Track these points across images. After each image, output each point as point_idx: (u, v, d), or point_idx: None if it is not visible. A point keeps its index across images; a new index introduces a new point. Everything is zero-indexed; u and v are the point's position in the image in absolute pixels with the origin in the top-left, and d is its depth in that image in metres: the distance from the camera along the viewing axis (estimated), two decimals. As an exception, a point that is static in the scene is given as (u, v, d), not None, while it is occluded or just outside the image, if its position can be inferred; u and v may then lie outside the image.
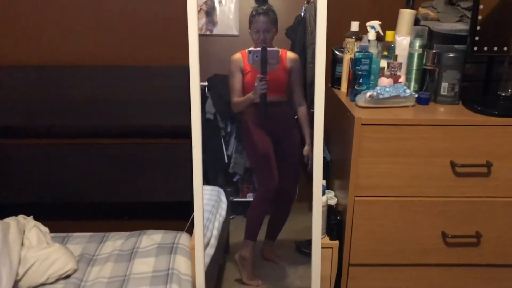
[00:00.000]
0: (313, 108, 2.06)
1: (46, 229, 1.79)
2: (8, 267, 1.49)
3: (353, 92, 1.72)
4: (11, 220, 1.73)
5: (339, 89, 1.92)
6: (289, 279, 2.13)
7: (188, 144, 2.01)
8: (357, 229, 1.66)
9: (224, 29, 2.00)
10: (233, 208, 2.34)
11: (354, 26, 1.84)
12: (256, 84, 1.78)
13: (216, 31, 2.02)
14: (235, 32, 1.98)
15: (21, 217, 1.80)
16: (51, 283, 1.62)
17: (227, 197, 2.23)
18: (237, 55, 1.88)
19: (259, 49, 1.74)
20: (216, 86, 2.13)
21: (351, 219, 1.64)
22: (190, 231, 2.02)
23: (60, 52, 2.00)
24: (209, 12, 2.00)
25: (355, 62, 1.70)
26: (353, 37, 1.82)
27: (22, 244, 1.66)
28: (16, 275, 1.54)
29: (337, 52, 1.92)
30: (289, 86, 1.91)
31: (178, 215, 2.13)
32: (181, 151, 2.04)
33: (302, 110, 1.94)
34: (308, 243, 2.17)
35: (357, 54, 1.69)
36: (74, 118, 1.97)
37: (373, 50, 1.73)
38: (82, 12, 1.96)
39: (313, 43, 2.04)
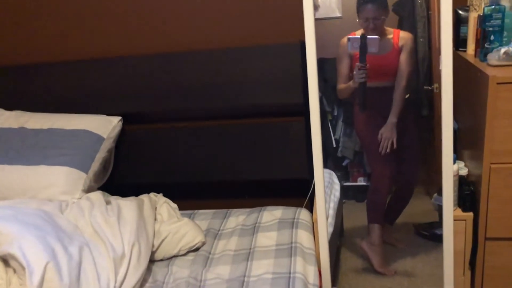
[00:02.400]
0: (427, 84, 1.95)
1: (175, 205, 1.90)
2: (145, 239, 1.60)
3: (483, 52, 1.58)
4: (144, 197, 1.86)
5: (465, 51, 1.77)
6: (411, 261, 2.05)
7: (301, 122, 2.01)
8: (494, 199, 1.52)
9: (327, 12, 1.96)
10: (344, 193, 2.30)
11: (480, -20, 1.69)
12: (355, 72, 1.72)
13: (318, 14, 1.98)
14: (338, 14, 1.92)
15: (152, 195, 1.93)
16: (183, 255, 1.71)
17: (339, 180, 2.20)
18: (346, 39, 1.83)
19: (358, 37, 1.66)
20: (322, 70, 2.09)
21: (487, 188, 1.51)
22: (308, 207, 2.02)
23: (177, 39, 2.09)
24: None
25: (484, 18, 1.56)
26: (480, -8, 1.67)
27: (155, 219, 1.78)
28: (152, 247, 1.64)
29: (460, 12, 1.78)
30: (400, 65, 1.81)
31: (295, 193, 2.13)
32: (295, 129, 2.04)
33: (400, 88, 1.84)
34: (428, 225, 2.08)
35: (486, 9, 1.55)
36: (193, 101, 2.05)
37: (506, 3, 1.57)
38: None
39: (424, 16, 1.93)
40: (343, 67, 1.85)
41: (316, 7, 2.04)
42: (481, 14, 1.59)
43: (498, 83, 1.40)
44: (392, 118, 1.84)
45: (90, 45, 2.14)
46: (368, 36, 1.67)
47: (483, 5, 1.64)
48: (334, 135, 2.32)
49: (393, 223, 2.12)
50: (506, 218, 1.53)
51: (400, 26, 1.91)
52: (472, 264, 1.67)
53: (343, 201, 2.33)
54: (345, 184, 2.33)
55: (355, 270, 2.09)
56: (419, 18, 1.89)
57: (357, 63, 1.72)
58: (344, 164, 2.37)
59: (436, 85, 1.89)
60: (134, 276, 1.47)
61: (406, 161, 1.97)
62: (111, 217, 1.62)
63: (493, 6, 1.53)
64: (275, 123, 2.08)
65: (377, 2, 1.73)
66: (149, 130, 2.15)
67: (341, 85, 1.87)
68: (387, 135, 1.86)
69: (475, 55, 1.67)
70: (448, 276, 1.57)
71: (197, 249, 1.73)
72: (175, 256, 1.70)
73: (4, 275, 1.30)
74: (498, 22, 1.53)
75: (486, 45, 1.57)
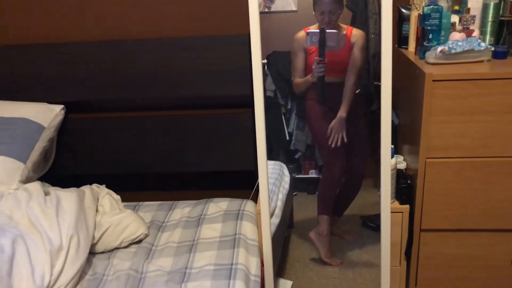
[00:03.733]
0: (377, 80, 2.00)
1: (118, 197, 1.86)
2: (85, 231, 1.56)
3: (422, 50, 1.64)
4: (85, 188, 1.80)
5: (406, 48, 1.83)
6: (357, 252, 2.11)
7: (249, 114, 2.01)
8: (428, 192, 1.59)
9: (283, 5, 1.97)
10: (296, 185, 2.33)
11: (422, -20, 1.74)
12: (314, 66, 1.74)
13: (274, 7, 1.99)
14: (294, 8, 1.93)
15: (94, 186, 1.88)
16: (125, 247, 1.68)
17: (290, 173, 2.23)
18: (301, 34, 1.84)
19: (317, 31, 1.68)
20: (276, 63, 2.10)
21: (423, 182, 1.58)
22: (254, 199, 2.03)
23: (122, 26, 2.04)
24: (267, -12, 1.97)
25: (423, 17, 1.61)
26: (421, -8, 1.72)
27: (97, 211, 1.74)
28: (93, 239, 1.61)
29: (403, 10, 1.83)
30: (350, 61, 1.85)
31: (242, 185, 2.14)
32: (243, 121, 2.04)
33: (349, 83, 1.88)
34: (374, 217, 2.14)
35: (425, 8, 1.60)
36: (140, 91, 2.01)
37: (443, 3, 1.63)
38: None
39: (375, 13, 1.97)
40: (299, 62, 1.86)
41: (271, 0, 2.05)
42: (421, 13, 1.64)
43: (434, 80, 1.46)
44: (342, 113, 1.88)
45: (34, 29, 2.05)
46: (327, 30, 1.69)
47: (423, 4, 1.69)
48: (287, 128, 2.33)
49: (341, 215, 2.17)
50: (439, 211, 1.60)
51: (353, 22, 1.94)
52: (408, 254, 1.73)
53: (295, 193, 2.36)
54: (297, 176, 2.36)
55: (302, 260, 2.13)
56: (371, 15, 1.93)
57: (316, 57, 1.73)
58: (296, 157, 2.40)
59: None
60: (71, 269, 1.43)
61: (354, 154, 2.02)
62: (49, 208, 1.56)
63: (431, 6, 1.59)
64: (223, 115, 2.08)
65: None
66: (93, 120, 2.10)
67: (297, 79, 1.89)
68: (337, 129, 1.90)
69: (415, 53, 1.73)
70: (385, 266, 1.63)
71: (139, 241, 1.71)
72: (116, 248, 1.68)
73: None
74: (436, 21, 1.59)
75: (425, 43, 1.62)
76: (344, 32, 1.84)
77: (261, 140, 1.60)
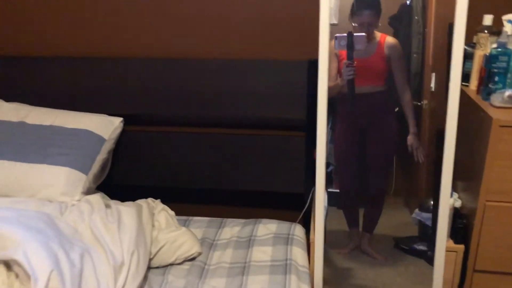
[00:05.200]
0: (416, 100, 1.99)
1: (172, 213, 1.91)
2: (144, 247, 1.61)
3: (486, 90, 1.64)
4: (142, 202, 1.86)
5: (467, 86, 1.83)
6: (390, 274, 2.10)
7: (302, 137, 2.04)
8: (485, 234, 1.59)
9: None
10: (328, 199, 2.34)
11: (487, 20, 1.74)
12: (342, 70, 1.76)
13: None
14: (334, 21, 1.95)
15: (150, 200, 1.93)
16: (178, 264, 1.73)
17: (325, 189, 2.24)
18: (333, 42, 1.87)
19: (345, 34, 1.71)
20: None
21: (480, 223, 1.58)
22: (301, 223, 2.06)
23: (182, 45, 2.09)
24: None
25: (490, 58, 1.61)
26: (486, 31, 1.72)
27: (153, 225, 1.79)
28: (149, 254, 1.66)
29: (466, 48, 1.83)
30: (389, 74, 1.86)
31: (290, 206, 2.17)
32: (294, 143, 2.07)
33: (406, 97, 1.88)
34: (408, 240, 2.13)
35: (493, 50, 1.60)
36: (196, 109, 2.06)
37: (512, 46, 1.63)
38: (205, 6, 2.03)
39: (420, 33, 1.97)
40: (331, 68, 1.89)
41: None
42: (487, 54, 1.64)
43: (501, 126, 1.46)
44: (413, 129, 1.89)
45: (97, 43, 2.12)
46: (355, 34, 1.71)
47: (489, 45, 1.69)
48: None
49: (371, 232, 2.14)
50: (495, 253, 1.60)
51: None
52: (459, 293, 1.74)
53: (326, 207, 2.37)
54: (328, 190, 2.36)
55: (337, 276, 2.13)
56: (414, 34, 1.92)
57: (345, 60, 1.75)
58: (328, 170, 2.40)
59: (425, 101, 1.93)
60: (132, 284, 1.48)
61: (376, 168, 2.02)
62: (111, 223, 1.62)
63: (500, 49, 1.59)
64: (275, 136, 2.11)
65: (374, 9, 1.77)
66: (148, 133, 2.16)
67: (331, 83, 1.92)
68: (415, 145, 1.91)
69: (477, 92, 1.73)
70: (436, 303, 1.64)
71: (193, 259, 1.75)
72: (171, 264, 1.72)
73: (6, 280, 1.30)
74: (504, 64, 1.59)
75: (490, 85, 1.62)
76: (377, 39, 1.85)
77: (321, 169, 1.62)
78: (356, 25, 1.79)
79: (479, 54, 1.74)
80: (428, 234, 1.86)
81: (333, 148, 2.36)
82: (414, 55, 1.96)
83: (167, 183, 2.16)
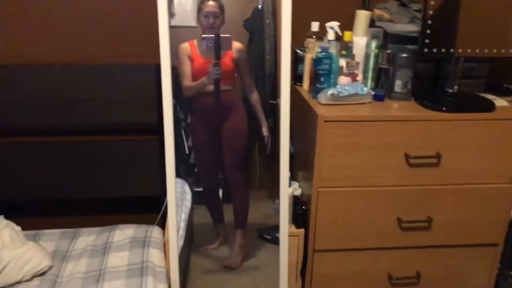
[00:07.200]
0: (272, 99, 2.17)
1: (18, 228, 1.81)
2: (-16, 267, 1.52)
3: (315, 90, 1.83)
4: (-18, 220, 1.74)
5: (301, 86, 2.03)
6: (255, 263, 2.22)
7: (154, 140, 2.07)
8: (320, 217, 1.78)
9: (182, 20, 2.05)
10: (195, 198, 2.41)
11: (315, 26, 1.94)
12: (210, 69, 1.88)
13: (173, 22, 2.07)
14: (193, 24, 2.03)
15: (-8, 217, 1.81)
16: (27, 281, 1.65)
17: (191, 188, 2.31)
18: (185, 44, 1.99)
19: (212, 35, 1.83)
20: (175, 77, 2.18)
21: (316, 208, 1.76)
22: (160, 224, 2.09)
23: (27, 51, 2.00)
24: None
25: (316, 62, 1.81)
26: (314, 37, 1.93)
27: (-4, 244, 1.68)
28: (-8, 274, 1.56)
29: (298, 51, 2.03)
30: (238, 75, 2.02)
31: (147, 209, 2.18)
32: (148, 147, 2.10)
33: (254, 96, 2.07)
34: (270, 229, 2.29)
35: (318, 54, 1.80)
36: (43, 117, 1.98)
37: (333, 50, 1.85)
38: (48, 9, 1.96)
39: (272, 36, 2.14)
40: (186, 67, 1.98)
41: (172, 15, 2.13)
42: (314, 57, 1.84)
43: (325, 121, 1.65)
44: (263, 123, 2.10)
45: None
46: (222, 35, 1.83)
47: (316, 49, 1.90)
48: (187, 142, 2.40)
49: (243, 227, 2.24)
50: (331, 233, 1.81)
51: (250, 42, 2.09)
52: (303, 273, 1.92)
53: (194, 206, 2.43)
54: (195, 189, 2.43)
55: (203, 272, 2.19)
56: (267, 37, 2.08)
57: (213, 60, 1.86)
58: (195, 170, 2.47)
59: (280, 100, 2.10)
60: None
61: (231, 163, 2.15)
62: None
63: (323, 53, 1.79)
64: (128, 141, 2.11)
65: (216, 1, 1.91)
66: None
67: (188, 83, 1.99)
68: (267, 137, 2.12)
69: (309, 92, 1.93)
70: (284, 285, 1.80)
71: (43, 273, 1.69)
72: (18, 282, 1.64)
73: None
74: (327, 66, 1.80)
75: (317, 85, 1.82)
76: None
77: (170, 169, 1.67)
78: (203, 17, 1.90)
79: (308, 57, 1.94)
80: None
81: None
82: (268, 56, 2.11)
83: (13, 197, 2.03)
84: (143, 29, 2.02)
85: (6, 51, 1.98)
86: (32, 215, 2.14)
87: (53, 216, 2.20)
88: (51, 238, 1.91)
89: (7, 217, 1.85)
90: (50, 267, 1.71)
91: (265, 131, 2.12)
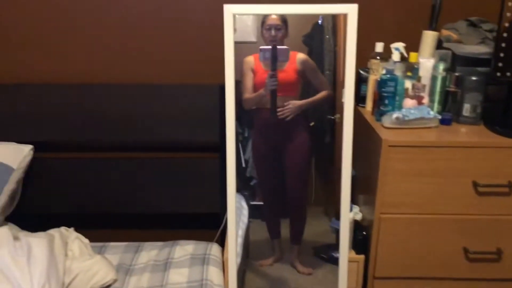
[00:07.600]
0: (330, 114, 2.14)
1: (86, 241, 1.90)
2: (55, 277, 1.60)
3: (378, 112, 1.80)
4: (54, 232, 1.83)
5: (364, 107, 2.00)
6: (308, 284, 2.19)
7: (216, 159, 2.11)
8: (382, 244, 1.74)
9: (242, 36, 2.08)
10: (251, 212, 2.42)
11: (379, 47, 1.91)
12: (266, 80, 1.89)
13: (235, 38, 2.10)
14: (253, 39, 2.06)
15: (63, 229, 1.90)
16: (94, 292, 1.73)
17: (247, 202, 2.32)
18: (250, 57, 2.00)
19: (269, 47, 1.84)
20: (237, 92, 2.21)
21: (377, 234, 1.72)
22: (218, 241, 2.12)
23: (95, 70, 2.10)
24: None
25: (381, 84, 1.78)
26: (378, 58, 1.90)
27: (66, 255, 1.77)
28: (62, 285, 1.64)
29: (362, 72, 2.00)
30: (302, 88, 1.99)
31: (207, 225, 2.22)
32: (209, 164, 2.13)
33: (325, 91, 2.00)
34: (326, 247, 2.25)
35: (383, 76, 1.77)
36: (110, 134, 2.06)
37: (398, 72, 1.81)
38: (118, 32, 2.06)
39: (331, 51, 2.13)
40: (248, 80, 1.99)
41: (233, 30, 2.17)
42: (379, 79, 1.81)
43: (389, 146, 1.62)
44: (302, 101, 2.00)
45: (1, 69, 2.07)
46: (278, 47, 1.84)
47: (380, 70, 1.87)
48: (244, 155, 2.42)
49: (298, 243, 2.22)
50: (391, 260, 1.75)
51: (309, 57, 2.08)
52: (362, 299, 1.88)
53: (250, 220, 2.44)
54: (251, 203, 2.44)
55: None
56: (326, 52, 2.06)
57: (270, 72, 1.87)
58: (251, 183, 2.48)
59: (338, 115, 2.07)
60: (43, 318, 1.47)
61: (293, 179, 2.14)
62: (20, 256, 1.59)
63: (388, 75, 1.76)
64: (190, 158, 2.17)
65: (280, 16, 1.91)
66: (60, 159, 2.13)
67: (248, 95, 2.00)
68: (291, 107, 1.98)
69: (372, 113, 1.90)
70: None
71: (108, 286, 1.76)
72: (85, 293, 1.71)
73: None
74: (392, 89, 1.76)
75: (381, 107, 1.78)
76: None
77: (231, 187, 1.69)
78: (265, 30, 1.91)
79: (372, 79, 1.91)
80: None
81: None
82: (327, 72, 2.10)
83: (82, 210, 2.13)
84: (209, 53, 2.08)
85: (82, 70, 2.09)
86: (97, 227, 2.23)
87: (118, 229, 2.29)
88: (116, 251, 1.98)
89: (76, 229, 1.95)
90: (115, 281, 1.77)
91: (294, 103, 2.00)
